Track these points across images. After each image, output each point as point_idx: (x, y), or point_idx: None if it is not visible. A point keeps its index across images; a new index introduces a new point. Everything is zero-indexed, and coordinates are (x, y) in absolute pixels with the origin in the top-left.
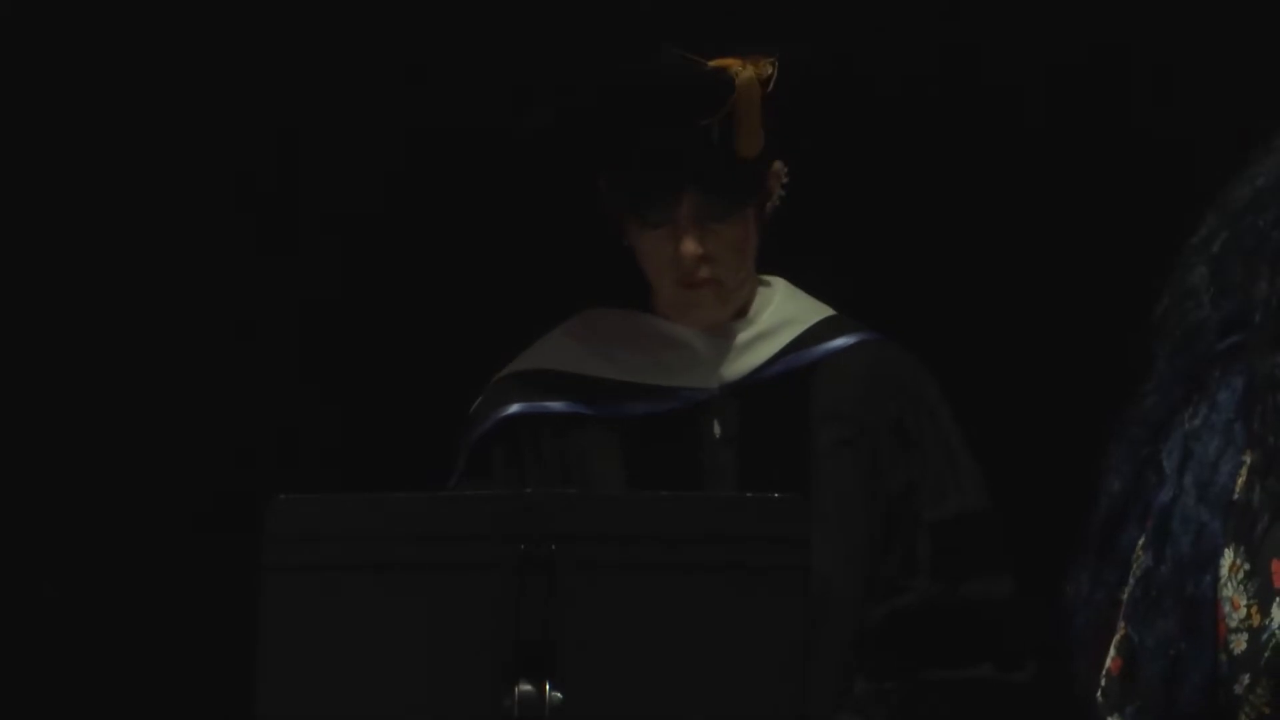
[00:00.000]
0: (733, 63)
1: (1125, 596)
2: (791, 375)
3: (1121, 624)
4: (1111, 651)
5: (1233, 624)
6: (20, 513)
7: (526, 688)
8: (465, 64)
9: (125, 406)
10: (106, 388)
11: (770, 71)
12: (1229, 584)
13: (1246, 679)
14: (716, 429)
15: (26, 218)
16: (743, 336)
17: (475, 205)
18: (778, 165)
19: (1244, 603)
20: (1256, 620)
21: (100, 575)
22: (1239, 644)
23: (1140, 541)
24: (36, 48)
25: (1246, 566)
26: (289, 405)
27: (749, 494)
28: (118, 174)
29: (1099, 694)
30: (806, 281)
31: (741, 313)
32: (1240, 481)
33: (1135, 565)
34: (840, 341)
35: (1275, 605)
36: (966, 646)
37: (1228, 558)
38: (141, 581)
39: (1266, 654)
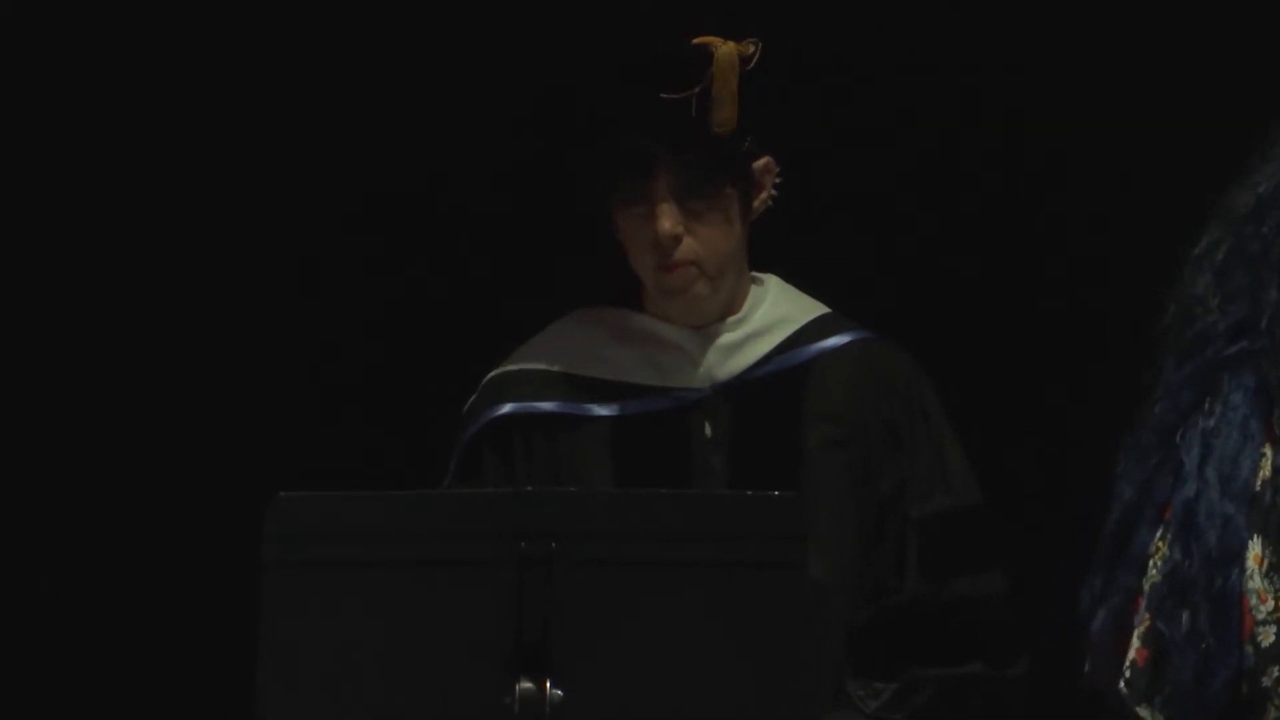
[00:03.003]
0: (714, 39)
1: (1147, 588)
2: (784, 375)
3: (1146, 615)
4: (1136, 642)
5: (1260, 616)
6: (20, 512)
7: (527, 685)
8: (465, 66)
9: (125, 406)
10: (107, 387)
11: (752, 50)
12: (1255, 576)
13: (1276, 671)
14: (707, 429)
15: (24, 218)
16: (735, 336)
17: (472, 205)
18: (769, 161)
19: (1271, 595)
20: None
21: (100, 575)
22: (1267, 636)
23: (1157, 535)
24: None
25: (1272, 559)
26: (289, 404)
27: (748, 491)
28: (118, 174)
29: (1122, 684)
30: (801, 277)
31: (733, 311)
32: (1262, 476)
33: (1155, 558)
34: (833, 340)
35: None
36: (957, 644)
37: (1252, 549)
38: (141, 581)
39: None
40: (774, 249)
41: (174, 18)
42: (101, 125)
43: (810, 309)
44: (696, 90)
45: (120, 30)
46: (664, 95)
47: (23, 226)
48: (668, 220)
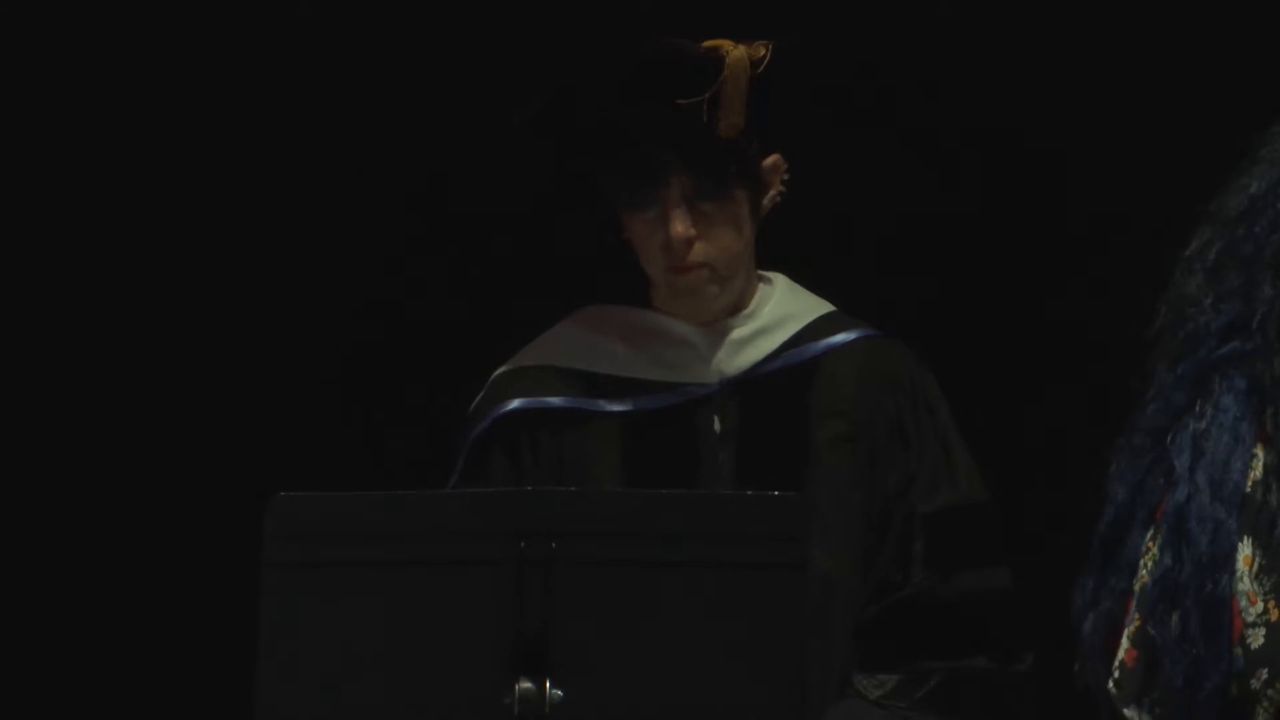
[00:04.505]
0: (725, 43)
1: (1137, 589)
2: (791, 371)
3: (1136, 616)
4: (1125, 643)
5: (1249, 618)
6: (21, 512)
7: (526, 684)
8: (463, 65)
9: (127, 406)
10: (108, 388)
11: (763, 54)
12: (1244, 578)
13: (1265, 674)
14: (716, 425)
15: (25, 218)
16: (743, 332)
17: (476, 204)
18: (776, 159)
19: (1260, 597)
20: (1275, 616)
21: (101, 575)
22: (1256, 639)
23: (1149, 535)
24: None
25: (1262, 561)
26: (289, 404)
27: (749, 492)
28: (120, 176)
29: (1111, 684)
30: (805, 277)
31: (741, 308)
32: (1253, 477)
33: (1145, 559)
34: (840, 338)
35: None
36: (962, 639)
37: (1242, 551)
38: (142, 581)
39: None
40: (779, 248)
41: (173, 19)
42: (102, 126)
43: (816, 306)
44: (707, 95)
45: (121, 32)
46: (677, 101)
47: (23, 226)
48: (680, 225)
